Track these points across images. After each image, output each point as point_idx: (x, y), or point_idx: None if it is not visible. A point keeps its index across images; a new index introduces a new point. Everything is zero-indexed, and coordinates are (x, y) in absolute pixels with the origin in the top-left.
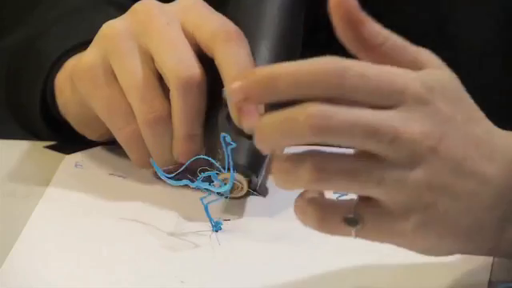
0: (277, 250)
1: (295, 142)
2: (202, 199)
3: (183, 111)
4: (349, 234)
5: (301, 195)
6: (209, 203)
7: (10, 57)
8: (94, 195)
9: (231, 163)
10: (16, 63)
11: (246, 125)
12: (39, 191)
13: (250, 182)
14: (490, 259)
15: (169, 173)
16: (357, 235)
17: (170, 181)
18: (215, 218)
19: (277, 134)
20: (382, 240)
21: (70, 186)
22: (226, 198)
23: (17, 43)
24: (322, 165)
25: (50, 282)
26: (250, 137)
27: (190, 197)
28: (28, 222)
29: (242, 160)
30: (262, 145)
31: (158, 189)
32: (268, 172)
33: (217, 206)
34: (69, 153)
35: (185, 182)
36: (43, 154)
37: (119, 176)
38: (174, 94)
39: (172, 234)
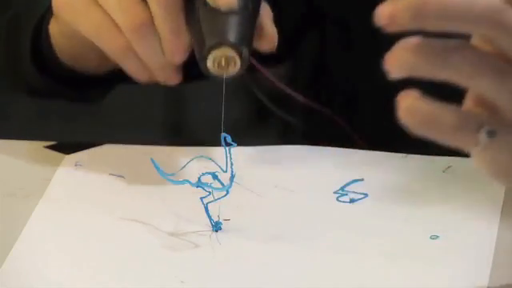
0: (277, 250)
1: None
2: (201, 199)
3: (162, 8)
4: (477, 147)
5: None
6: (209, 203)
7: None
8: (94, 195)
9: (231, 163)
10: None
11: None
12: (39, 191)
13: (241, 56)
14: (488, 264)
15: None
16: (487, 149)
17: (170, 180)
18: (215, 218)
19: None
20: (507, 159)
21: (70, 185)
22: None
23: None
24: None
25: (50, 281)
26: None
27: (190, 196)
28: (28, 221)
29: (230, 35)
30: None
31: (157, 189)
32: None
33: (217, 205)
34: (69, 153)
35: (185, 181)
36: (43, 154)
37: (119, 176)
38: None
39: (172, 234)
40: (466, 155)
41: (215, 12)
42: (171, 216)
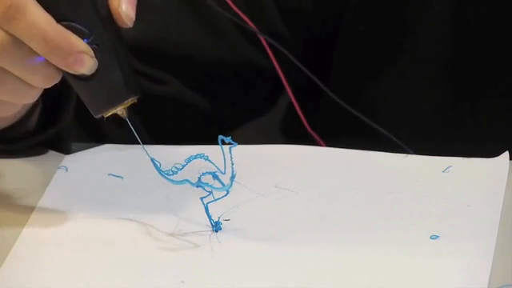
0: (277, 250)
1: None
2: (201, 199)
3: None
4: None
5: None
6: (209, 203)
7: None
8: (94, 195)
9: (231, 163)
10: None
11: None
12: (39, 191)
13: (130, 101)
14: (488, 264)
15: None
16: None
17: (170, 180)
18: (215, 218)
19: None
20: None
21: (70, 186)
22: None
23: None
24: None
25: (50, 282)
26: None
27: (190, 197)
28: (28, 221)
29: (109, 101)
30: None
31: (157, 189)
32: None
33: (217, 205)
34: (69, 153)
35: (185, 181)
36: (43, 154)
37: (118, 176)
38: None
39: (172, 234)
40: (466, 155)
41: (83, 79)
42: (171, 216)
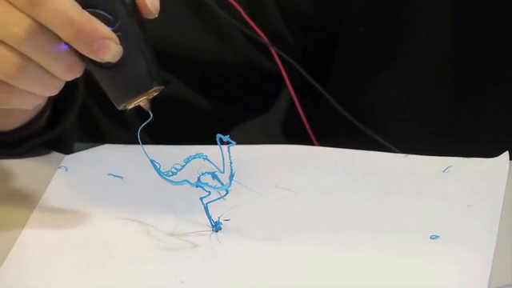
0: (276, 250)
1: None
2: (201, 199)
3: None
4: None
5: None
6: (209, 203)
7: None
8: (94, 195)
9: (231, 163)
10: None
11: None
12: (39, 191)
13: (154, 91)
14: (488, 264)
15: None
16: None
17: (169, 181)
18: (215, 218)
19: None
20: None
21: (70, 186)
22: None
23: None
24: None
25: (50, 282)
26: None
27: (190, 197)
28: (28, 221)
29: (134, 90)
30: None
31: (157, 189)
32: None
33: (217, 205)
34: (69, 153)
35: (184, 182)
36: (43, 154)
37: (118, 176)
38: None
39: (172, 234)
40: (466, 155)
41: (107, 67)
42: (171, 216)
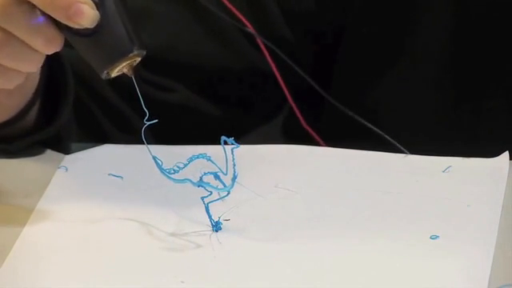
0: (276, 250)
1: None
2: (202, 199)
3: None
4: None
5: None
6: (209, 203)
7: None
8: (94, 195)
9: (234, 163)
10: None
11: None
12: (39, 191)
13: (135, 54)
14: (488, 264)
15: None
16: None
17: (171, 179)
18: (215, 217)
19: None
20: None
21: (70, 186)
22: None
23: None
24: None
25: (50, 282)
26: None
27: (190, 197)
28: (28, 221)
29: (115, 54)
30: None
31: (158, 188)
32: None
33: (217, 205)
34: (69, 153)
35: (186, 180)
36: (43, 154)
37: (118, 176)
38: None
39: (172, 234)
40: (466, 155)
41: (86, 35)
42: (171, 216)
